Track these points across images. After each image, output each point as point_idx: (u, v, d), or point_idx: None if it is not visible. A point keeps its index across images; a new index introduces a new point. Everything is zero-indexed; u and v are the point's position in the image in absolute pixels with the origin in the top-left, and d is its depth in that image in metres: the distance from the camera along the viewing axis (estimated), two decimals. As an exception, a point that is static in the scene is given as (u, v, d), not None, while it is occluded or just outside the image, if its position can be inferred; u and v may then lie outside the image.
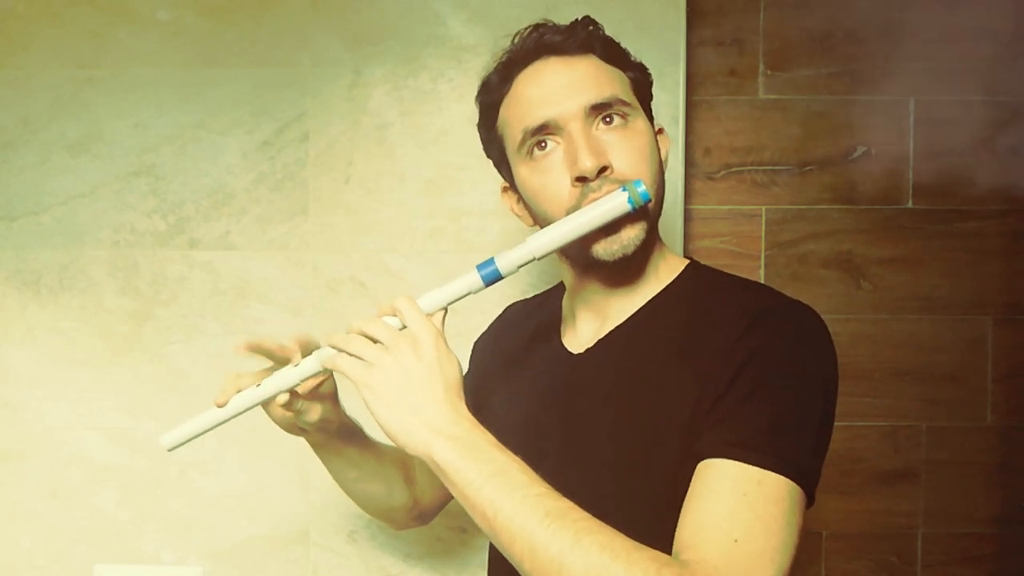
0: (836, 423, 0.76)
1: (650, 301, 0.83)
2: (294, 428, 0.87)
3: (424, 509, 1.03)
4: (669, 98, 1.21)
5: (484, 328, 1.06)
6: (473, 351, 1.04)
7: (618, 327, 0.83)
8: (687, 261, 0.87)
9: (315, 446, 0.91)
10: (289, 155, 1.25)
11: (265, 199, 1.25)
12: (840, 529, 1.31)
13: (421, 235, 1.24)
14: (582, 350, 0.85)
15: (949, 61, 1.30)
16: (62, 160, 1.26)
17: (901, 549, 1.31)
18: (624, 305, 0.84)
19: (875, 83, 1.30)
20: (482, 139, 0.90)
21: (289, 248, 1.25)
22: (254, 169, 1.25)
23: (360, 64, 1.24)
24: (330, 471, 0.95)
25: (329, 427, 0.87)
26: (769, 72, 1.30)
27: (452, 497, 1.03)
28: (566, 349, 0.88)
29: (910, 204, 1.30)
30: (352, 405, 0.91)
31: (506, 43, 0.85)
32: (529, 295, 1.08)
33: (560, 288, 0.96)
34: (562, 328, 0.91)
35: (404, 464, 1.00)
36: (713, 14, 1.30)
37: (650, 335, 0.81)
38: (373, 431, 0.94)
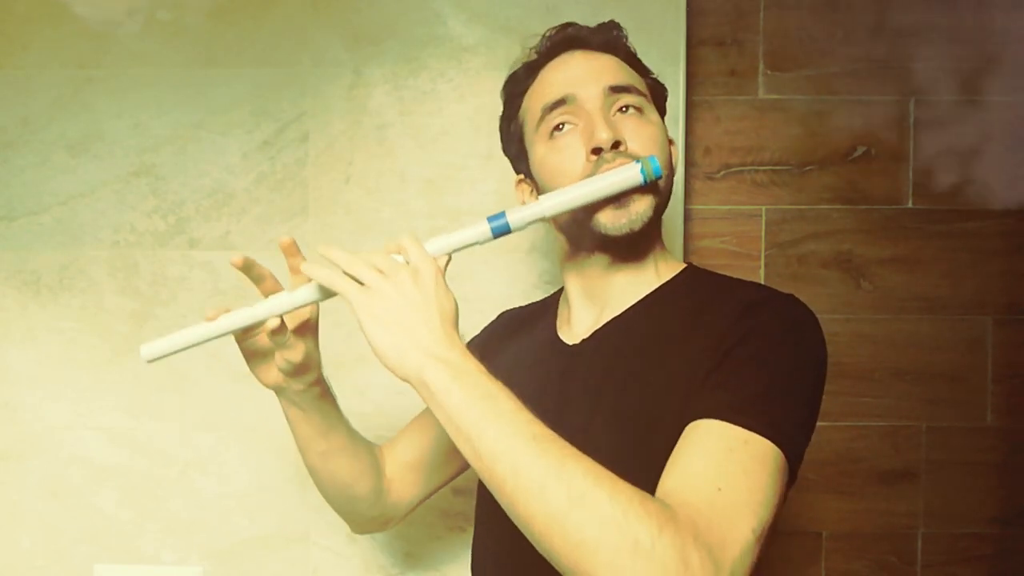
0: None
1: (648, 295, 0.84)
2: (271, 371, 0.85)
3: (387, 509, 1.00)
4: (669, 98, 1.21)
5: (480, 329, 1.06)
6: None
7: (615, 318, 0.84)
8: (685, 264, 0.89)
9: (287, 404, 0.89)
10: (289, 155, 1.25)
11: (265, 199, 1.25)
12: (840, 529, 1.31)
13: (421, 235, 1.24)
14: (578, 341, 0.86)
15: (949, 61, 1.30)
16: (62, 160, 1.26)
17: (901, 549, 1.31)
18: (622, 293, 0.85)
19: (875, 83, 1.30)
20: (502, 132, 0.94)
21: (289, 248, 1.25)
22: (254, 169, 1.25)
23: (360, 64, 1.24)
24: (299, 442, 0.92)
25: (308, 374, 0.85)
26: (769, 72, 1.30)
27: (420, 502, 1.02)
28: (562, 341, 0.89)
29: (910, 204, 1.30)
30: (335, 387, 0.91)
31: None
32: (531, 297, 1.08)
33: (554, 297, 0.97)
34: (558, 323, 0.92)
35: (372, 453, 0.98)
36: (713, 14, 1.30)
37: (647, 328, 0.82)
38: (359, 425, 0.94)
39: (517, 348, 0.95)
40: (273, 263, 1.25)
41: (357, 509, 1.00)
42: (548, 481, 0.61)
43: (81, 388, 1.26)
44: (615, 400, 0.79)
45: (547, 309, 0.97)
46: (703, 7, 1.29)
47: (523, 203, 0.91)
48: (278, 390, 0.87)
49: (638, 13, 1.21)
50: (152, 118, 1.25)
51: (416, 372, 0.68)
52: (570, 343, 0.87)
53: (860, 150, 1.30)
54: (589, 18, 0.90)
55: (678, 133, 1.22)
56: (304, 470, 0.93)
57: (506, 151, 0.94)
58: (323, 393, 0.90)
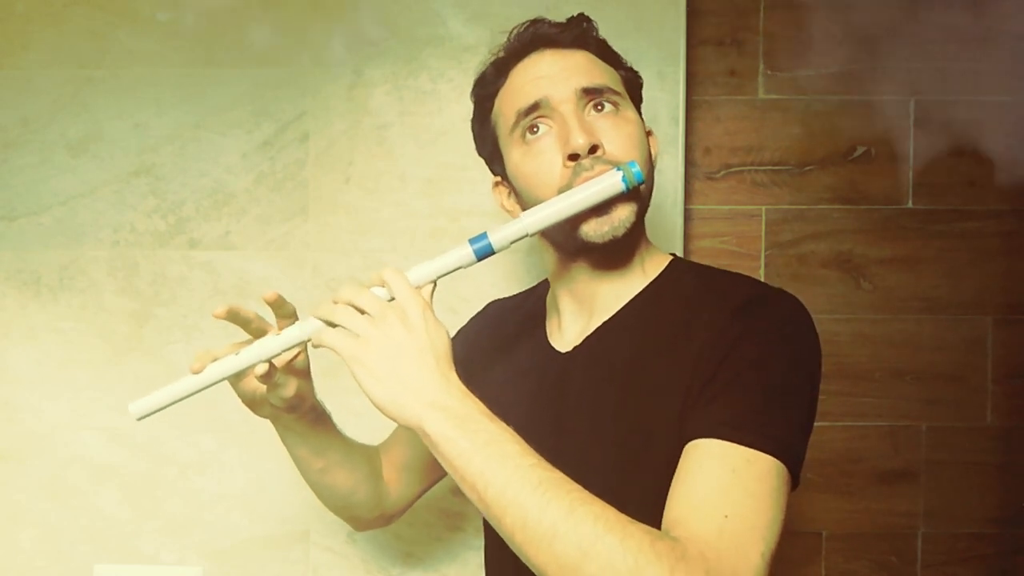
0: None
1: (637, 296, 0.83)
2: (264, 406, 0.84)
3: (387, 508, 1.01)
4: (669, 98, 1.21)
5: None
6: (452, 348, 1.03)
7: (605, 323, 0.83)
8: (670, 257, 0.87)
9: (282, 429, 0.89)
10: (289, 155, 1.25)
11: (265, 199, 1.25)
12: (840, 529, 1.31)
13: (421, 235, 1.24)
14: (570, 348, 0.85)
15: (949, 61, 1.30)
16: (62, 160, 1.26)
17: (901, 549, 1.31)
18: (611, 297, 0.84)
19: (875, 83, 1.30)
20: (475, 134, 0.91)
21: (289, 248, 1.25)
22: (254, 169, 1.25)
23: (360, 64, 1.24)
24: (296, 461, 0.92)
25: (301, 405, 0.85)
26: (769, 72, 1.30)
27: (418, 497, 1.03)
28: (553, 348, 0.88)
29: (910, 204, 1.31)
30: (322, 392, 0.91)
31: (502, 40, 0.86)
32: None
33: (543, 286, 0.96)
34: (547, 325, 0.91)
35: (370, 458, 0.99)
36: (713, 14, 1.30)
37: (639, 330, 0.81)
38: (345, 425, 0.94)
39: (507, 348, 0.94)
40: (273, 263, 1.25)
41: (357, 513, 1.01)
42: (558, 530, 0.61)
43: (81, 388, 1.26)
44: (613, 408, 0.78)
45: (535, 302, 0.96)
46: (703, 7, 1.29)
47: (501, 205, 0.90)
48: (273, 419, 0.87)
49: (638, 13, 1.21)
50: (152, 118, 1.25)
51: (416, 422, 0.68)
52: (562, 350, 0.86)
53: (860, 150, 1.30)
54: (588, 18, 0.89)
55: (678, 133, 1.22)
56: (304, 470, 0.93)
57: (480, 152, 0.92)
58: (317, 418, 0.89)
